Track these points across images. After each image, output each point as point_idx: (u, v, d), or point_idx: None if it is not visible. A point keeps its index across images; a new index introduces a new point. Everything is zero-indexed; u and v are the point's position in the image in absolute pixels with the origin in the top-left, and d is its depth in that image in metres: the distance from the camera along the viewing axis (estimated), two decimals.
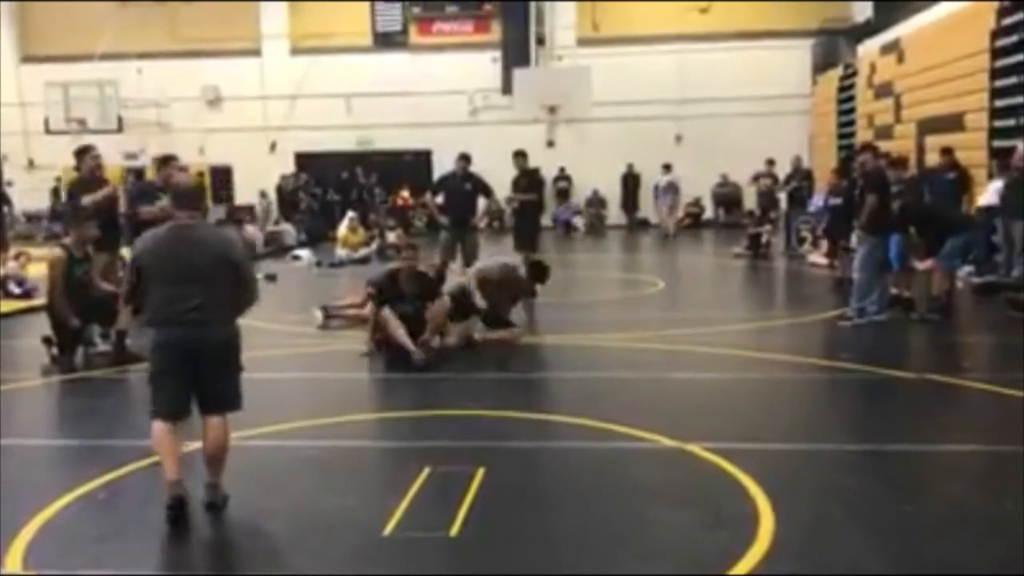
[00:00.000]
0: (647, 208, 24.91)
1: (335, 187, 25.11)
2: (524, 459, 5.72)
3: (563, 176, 25.30)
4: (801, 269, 15.37)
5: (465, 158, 12.52)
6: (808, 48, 23.98)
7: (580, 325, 10.32)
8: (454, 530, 4.43)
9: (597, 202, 25.28)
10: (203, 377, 4.70)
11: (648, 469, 5.43)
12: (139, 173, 23.67)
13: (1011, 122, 13.00)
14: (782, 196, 19.22)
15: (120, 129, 23.09)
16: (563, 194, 25.29)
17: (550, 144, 24.87)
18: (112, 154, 23.73)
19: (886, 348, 8.86)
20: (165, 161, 9.32)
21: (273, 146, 26.01)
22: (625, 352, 8.82)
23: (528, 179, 13.21)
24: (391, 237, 18.75)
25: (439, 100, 24.53)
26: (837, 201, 12.99)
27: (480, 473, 5.14)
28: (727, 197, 24.84)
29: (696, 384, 7.62)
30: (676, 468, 5.43)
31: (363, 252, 17.82)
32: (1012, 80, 13.03)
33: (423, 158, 24.64)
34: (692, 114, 24.37)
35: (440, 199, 12.77)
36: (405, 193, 23.93)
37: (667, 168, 23.35)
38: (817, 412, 6.97)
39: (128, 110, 23.64)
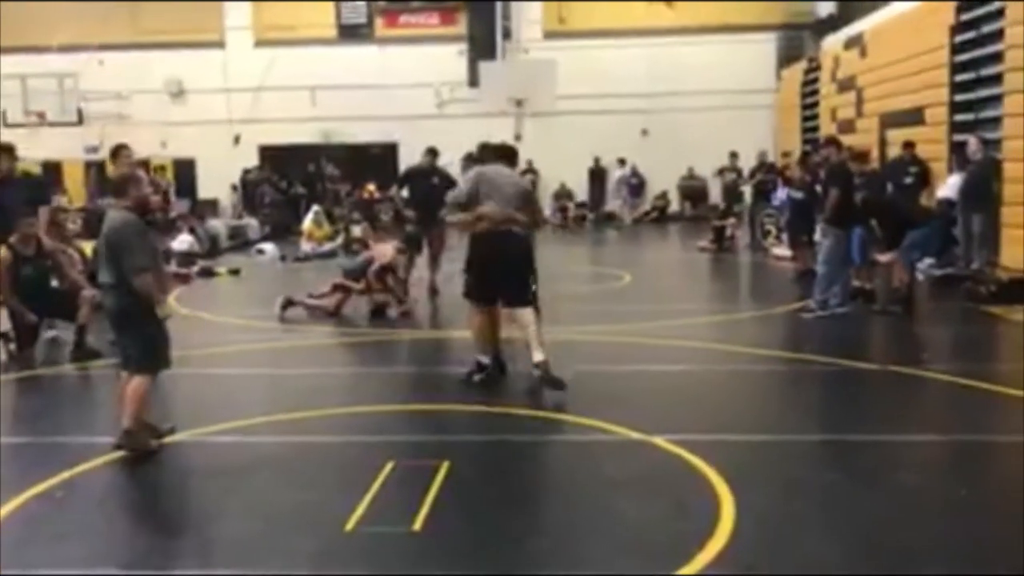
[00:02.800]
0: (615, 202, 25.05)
1: (300, 180, 24.90)
2: (489, 453, 5.71)
3: (530, 169, 25.27)
4: (765, 262, 15.47)
5: (432, 152, 12.45)
6: (773, 42, 24.13)
7: (545, 319, 10.25)
8: (417, 525, 4.41)
9: (564, 196, 25.31)
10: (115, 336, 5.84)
11: (612, 462, 5.43)
12: (100, 166, 23.36)
13: (970, 116, 13.16)
14: (746, 189, 19.33)
15: (80, 122, 22.72)
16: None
17: (518, 138, 24.74)
18: (72, 147, 23.53)
19: (848, 340, 8.94)
20: (117, 151, 8.86)
21: (237, 139, 25.70)
22: (590, 346, 8.82)
23: None
24: (356, 231, 18.61)
25: (405, 93, 24.33)
26: (798, 195, 13.09)
27: (444, 467, 5.11)
28: (693, 190, 24.94)
29: (661, 377, 7.64)
30: (641, 461, 5.44)
31: (328, 246, 17.70)
32: (971, 75, 13.19)
33: (389, 151, 24.50)
34: (658, 108, 24.40)
35: (406, 193, 12.69)
36: (371, 187, 23.76)
37: (621, 162, 24.09)
38: (780, 404, 7.02)
39: (88, 103, 23.27)
